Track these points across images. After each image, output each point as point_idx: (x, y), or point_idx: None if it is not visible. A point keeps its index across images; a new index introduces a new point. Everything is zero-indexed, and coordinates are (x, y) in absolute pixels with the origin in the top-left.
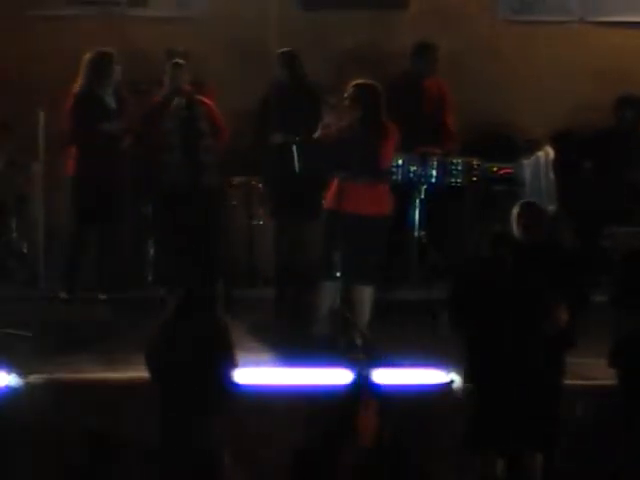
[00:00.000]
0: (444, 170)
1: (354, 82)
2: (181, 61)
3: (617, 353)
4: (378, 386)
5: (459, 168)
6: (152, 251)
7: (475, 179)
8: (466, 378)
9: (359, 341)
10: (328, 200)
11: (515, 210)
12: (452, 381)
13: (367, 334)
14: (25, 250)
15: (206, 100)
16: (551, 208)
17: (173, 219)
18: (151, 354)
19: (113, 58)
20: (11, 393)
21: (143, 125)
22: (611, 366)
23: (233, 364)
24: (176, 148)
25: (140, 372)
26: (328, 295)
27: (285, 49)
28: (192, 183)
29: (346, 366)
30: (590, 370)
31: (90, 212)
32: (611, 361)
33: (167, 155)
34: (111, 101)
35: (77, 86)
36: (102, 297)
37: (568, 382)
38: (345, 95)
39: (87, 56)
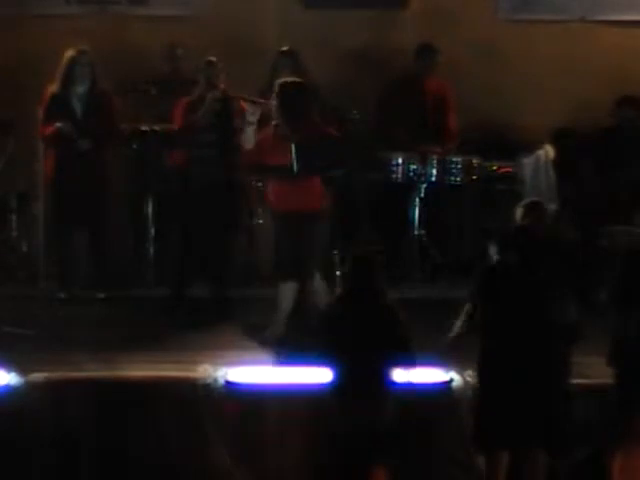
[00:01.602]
0: (444, 169)
1: (280, 81)
2: (214, 58)
3: (615, 352)
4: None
5: (459, 167)
6: (152, 250)
7: (475, 178)
8: (479, 378)
9: None
10: (268, 201)
11: (519, 209)
12: (452, 380)
13: None
14: (25, 249)
15: (239, 97)
16: (551, 207)
17: (199, 215)
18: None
19: (83, 58)
20: (11, 392)
21: (181, 123)
22: (609, 365)
23: (402, 353)
24: (211, 145)
25: (140, 371)
26: (288, 296)
27: (285, 48)
28: (225, 180)
29: None
30: (590, 369)
31: (63, 213)
32: (609, 360)
33: (200, 151)
34: (79, 101)
35: (53, 86)
36: (101, 296)
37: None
38: (273, 94)
39: (65, 55)
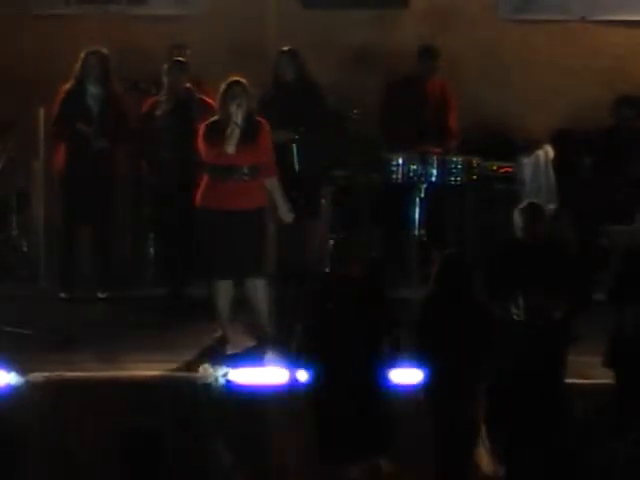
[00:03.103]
0: (444, 169)
1: (229, 80)
2: (181, 59)
3: (612, 352)
4: None
5: (459, 167)
6: (152, 250)
7: (475, 178)
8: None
9: None
10: (201, 199)
11: (518, 210)
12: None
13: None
14: (25, 248)
15: (207, 99)
16: (551, 207)
17: (160, 218)
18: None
19: (101, 58)
20: (11, 391)
21: (140, 124)
22: (605, 365)
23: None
24: (167, 146)
25: (140, 370)
26: (226, 294)
27: (286, 47)
28: (179, 182)
29: None
30: (589, 368)
31: (74, 212)
32: (605, 360)
33: (157, 153)
34: (95, 102)
35: (68, 84)
36: (101, 296)
37: (568, 381)
38: (222, 92)
39: (81, 55)
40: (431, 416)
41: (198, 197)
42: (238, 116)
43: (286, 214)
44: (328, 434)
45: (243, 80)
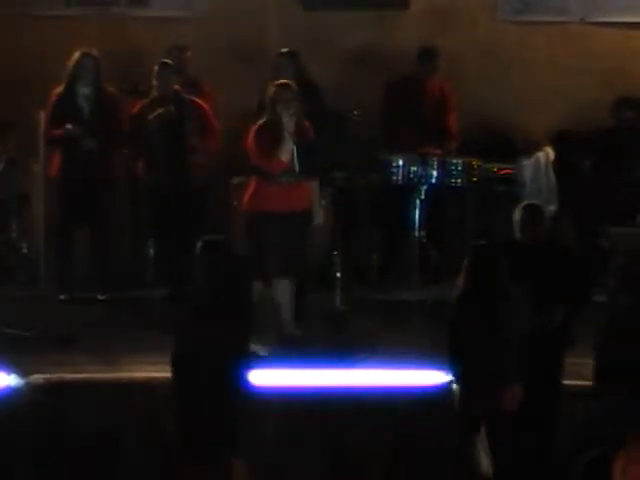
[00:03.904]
0: (444, 170)
1: (277, 82)
2: (169, 60)
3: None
4: None
5: (459, 168)
6: (152, 251)
7: (475, 179)
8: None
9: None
10: (250, 201)
11: (517, 212)
12: (452, 381)
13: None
14: (25, 250)
15: (197, 100)
16: (551, 208)
17: (157, 219)
18: None
19: (92, 59)
20: (11, 393)
21: (131, 126)
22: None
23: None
24: (159, 148)
25: (141, 372)
26: (288, 292)
27: (286, 49)
28: (173, 183)
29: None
30: (589, 370)
31: (68, 213)
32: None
33: (150, 155)
34: (85, 103)
35: (59, 87)
36: (101, 297)
37: (567, 382)
38: (273, 95)
39: (72, 57)
40: (461, 414)
41: (246, 200)
42: (292, 125)
43: (319, 216)
44: (185, 433)
45: (293, 84)
